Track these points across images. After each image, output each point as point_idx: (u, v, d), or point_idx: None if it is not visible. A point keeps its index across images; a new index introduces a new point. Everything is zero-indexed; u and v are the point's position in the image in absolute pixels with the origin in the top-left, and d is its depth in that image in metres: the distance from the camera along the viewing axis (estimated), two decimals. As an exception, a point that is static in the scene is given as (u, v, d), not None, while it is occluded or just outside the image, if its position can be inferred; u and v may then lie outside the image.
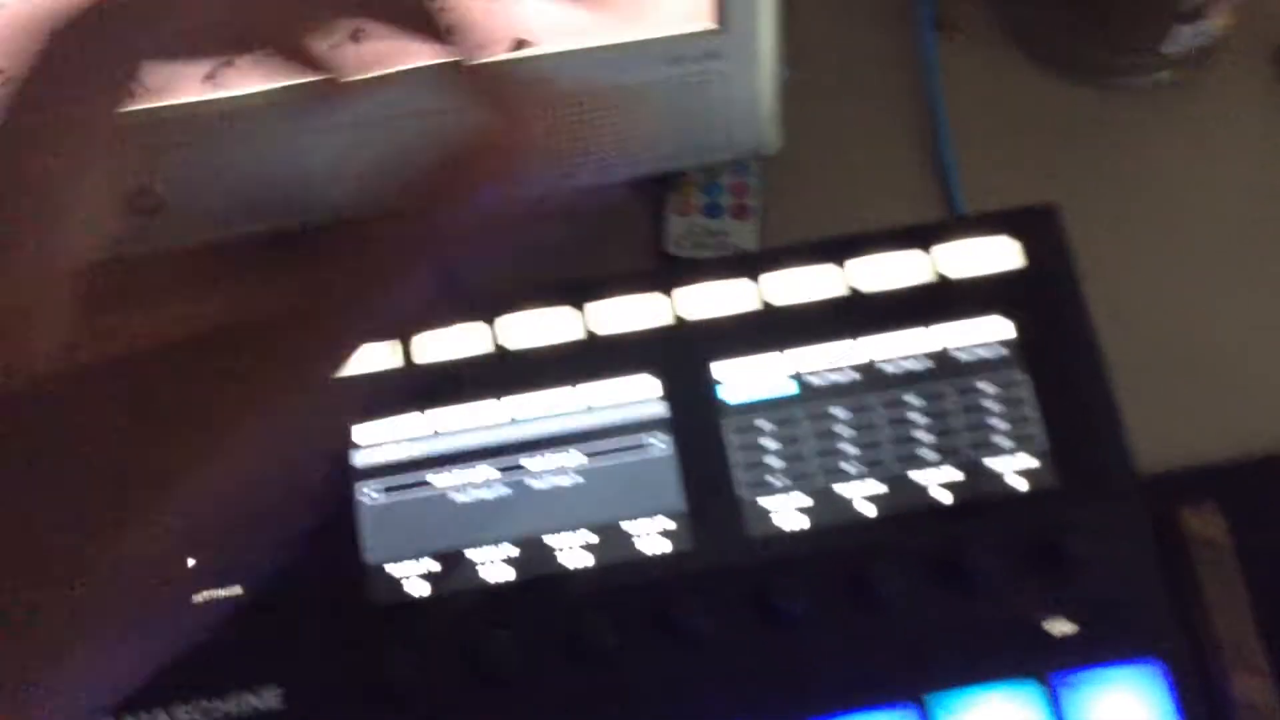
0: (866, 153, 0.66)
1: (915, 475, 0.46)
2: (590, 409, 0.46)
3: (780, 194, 0.65)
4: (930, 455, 0.46)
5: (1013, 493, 0.45)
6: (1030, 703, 0.42)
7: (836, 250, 0.48)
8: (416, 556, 0.44)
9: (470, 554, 0.44)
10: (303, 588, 0.43)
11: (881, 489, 0.45)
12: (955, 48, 0.69)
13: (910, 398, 0.46)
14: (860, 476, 0.45)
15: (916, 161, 0.67)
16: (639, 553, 0.44)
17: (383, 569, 0.43)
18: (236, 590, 0.42)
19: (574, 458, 0.45)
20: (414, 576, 0.43)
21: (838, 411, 0.46)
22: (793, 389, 0.46)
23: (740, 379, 0.46)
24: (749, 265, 0.48)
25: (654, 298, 0.47)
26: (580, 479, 0.45)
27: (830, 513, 0.45)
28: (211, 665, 0.41)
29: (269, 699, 0.42)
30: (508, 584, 0.44)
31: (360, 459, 0.44)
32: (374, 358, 0.43)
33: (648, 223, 0.65)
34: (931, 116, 0.67)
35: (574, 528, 0.44)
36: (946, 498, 0.45)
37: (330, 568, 0.43)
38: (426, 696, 0.42)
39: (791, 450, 0.46)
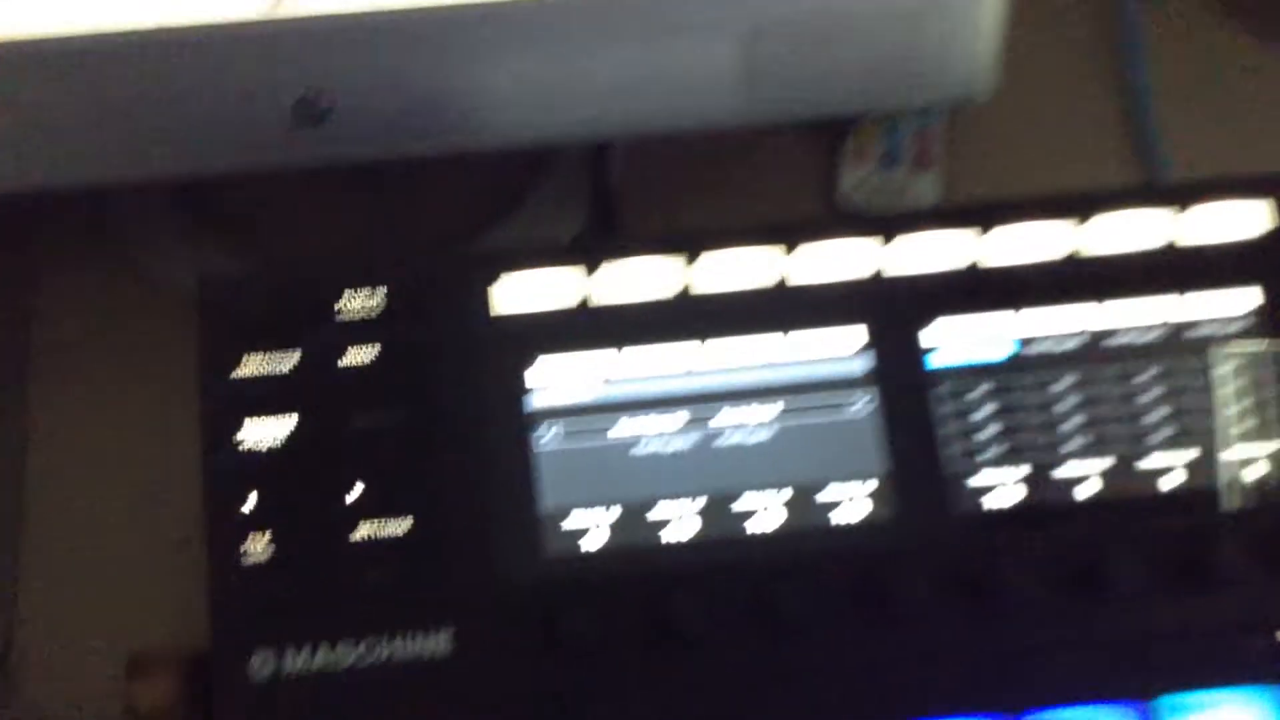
0: (1059, 110, 0.62)
1: (1143, 458, 0.41)
2: (787, 362, 0.42)
3: (962, 147, 0.61)
4: (1161, 437, 0.41)
5: (1262, 484, 0.40)
6: (1267, 711, 0.38)
7: (1065, 207, 0.44)
8: (594, 507, 0.40)
9: (651, 509, 0.41)
10: (476, 533, 0.40)
11: (1103, 471, 0.41)
12: (1157, 8, 0.64)
13: (1142, 372, 0.42)
14: (1081, 456, 0.41)
15: (1111, 122, 0.62)
16: (832, 520, 0.41)
17: (558, 519, 0.40)
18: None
19: (767, 412, 0.42)
20: (591, 528, 0.40)
21: (1060, 383, 0.42)
22: (1010, 354, 0.42)
23: (954, 340, 0.42)
24: (970, 217, 0.43)
25: (867, 245, 0.43)
26: (772, 435, 0.41)
27: (1045, 493, 0.41)
28: (382, 605, 0.39)
29: (439, 643, 0.39)
30: (690, 543, 0.40)
31: (539, 400, 0.41)
32: (556, 293, 0.40)
33: (815, 172, 0.61)
34: (1131, 77, 0.62)
35: (763, 487, 0.41)
36: (1179, 484, 0.41)
37: (504, 515, 0.40)
38: (597, 654, 0.39)
39: (1006, 422, 0.42)
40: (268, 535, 0.39)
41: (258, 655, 0.39)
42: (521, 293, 0.42)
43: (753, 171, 0.59)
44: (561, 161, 0.58)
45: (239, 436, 0.40)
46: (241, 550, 0.39)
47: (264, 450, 0.40)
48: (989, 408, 0.42)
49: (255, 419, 0.40)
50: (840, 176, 0.60)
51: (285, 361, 0.41)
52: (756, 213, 0.58)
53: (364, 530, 0.40)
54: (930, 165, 0.59)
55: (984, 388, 0.42)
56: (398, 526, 0.40)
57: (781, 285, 0.43)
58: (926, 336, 0.42)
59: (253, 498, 0.40)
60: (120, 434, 0.51)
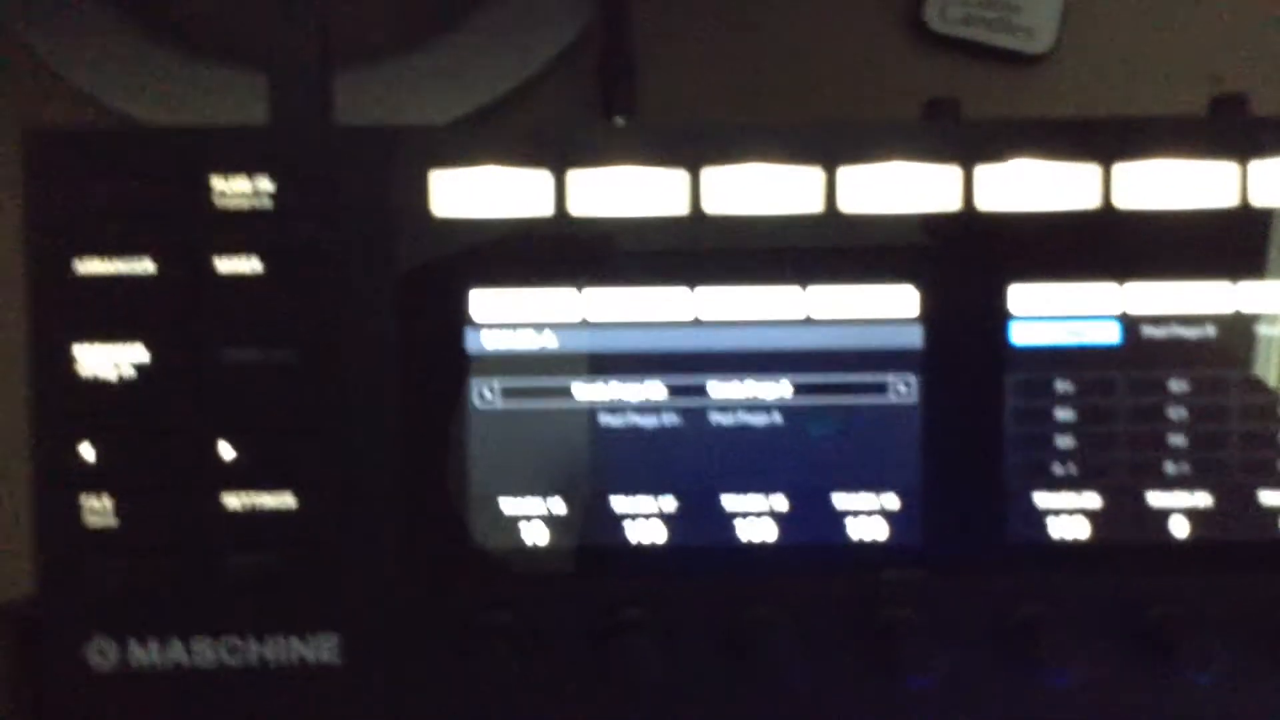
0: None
1: (1265, 494, 0.31)
2: (812, 320, 0.31)
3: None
4: (1295, 470, 0.31)
5: None
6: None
7: (1238, 131, 0.31)
8: (541, 493, 0.31)
9: (614, 500, 0.31)
10: (378, 514, 0.31)
11: (1208, 505, 0.31)
12: None
13: (1288, 382, 0.31)
14: (1183, 483, 0.31)
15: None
16: (846, 538, 0.31)
17: (493, 503, 0.31)
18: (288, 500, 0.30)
19: (778, 388, 0.31)
20: (534, 519, 0.31)
21: (1174, 383, 0.31)
22: (1114, 338, 0.31)
23: (1041, 311, 0.31)
24: (1093, 139, 0.31)
25: (938, 169, 0.31)
26: (781, 419, 0.31)
27: (1129, 526, 0.31)
28: (254, 598, 0.30)
29: (323, 650, 0.31)
30: (658, 548, 0.31)
31: (477, 342, 0.31)
32: (519, 196, 0.29)
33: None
34: None
35: (761, 488, 0.31)
36: (1308, 539, 0.31)
37: (421, 493, 0.31)
38: (523, 679, 0.31)
39: (1094, 430, 0.31)
40: (107, 497, 0.30)
41: (95, 643, 0.31)
42: (470, 189, 0.31)
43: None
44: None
45: (75, 363, 0.30)
46: (78, 508, 0.30)
47: (110, 384, 0.30)
48: (1072, 407, 0.31)
49: (93, 344, 0.30)
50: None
51: (136, 264, 0.30)
52: (808, 35, 0.45)
53: (233, 501, 0.30)
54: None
55: (1070, 381, 0.31)
56: (278, 500, 0.31)
57: (822, 213, 0.31)
58: (1004, 304, 0.31)
59: (88, 447, 0.30)
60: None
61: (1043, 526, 0.31)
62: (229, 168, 0.30)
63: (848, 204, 0.31)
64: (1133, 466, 0.31)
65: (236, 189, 0.30)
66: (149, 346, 0.30)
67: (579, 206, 0.31)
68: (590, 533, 0.31)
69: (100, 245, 0.30)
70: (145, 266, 0.30)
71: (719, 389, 0.31)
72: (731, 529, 0.31)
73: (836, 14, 0.46)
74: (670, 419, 0.31)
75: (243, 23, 0.43)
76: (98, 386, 0.30)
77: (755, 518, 0.31)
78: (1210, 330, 0.31)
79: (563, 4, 0.44)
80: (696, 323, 0.31)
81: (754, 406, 0.31)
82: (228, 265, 0.30)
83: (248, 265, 0.30)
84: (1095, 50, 0.45)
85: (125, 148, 0.30)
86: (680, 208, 0.31)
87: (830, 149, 0.31)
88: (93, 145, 0.30)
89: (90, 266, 0.30)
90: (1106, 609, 0.31)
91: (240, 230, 0.30)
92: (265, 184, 0.30)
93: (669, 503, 0.31)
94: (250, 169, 0.30)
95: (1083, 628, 0.31)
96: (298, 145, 0.30)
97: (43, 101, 0.43)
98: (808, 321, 0.31)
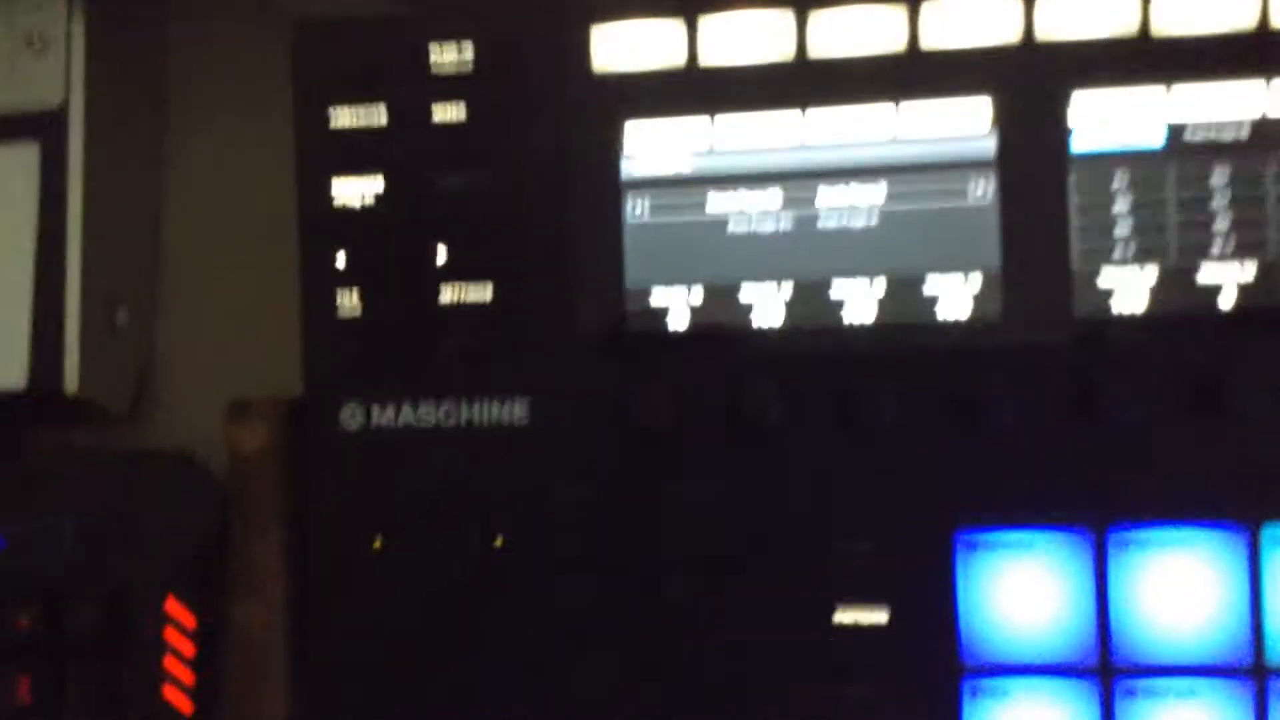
0: None
1: (1304, 267, 0.36)
2: (899, 139, 0.38)
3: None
4: (1331, 244, 0.36)
5: None
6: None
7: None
8: (683, 284, 0.39)
9: (743, 290, 0.39)
10: (559, 303, 0.39)
11: (1251, 276, 0.36)
12: None
13: (1320, 167, 0.36)
14: (1229, 257, 0.37)
15: None
16: (936, 316, 0.38)
17: (645, 294, 0.39)
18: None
19: (875, 193, 0.38)
20: (678, 306, 0.39)
21: (1217, 175, 0.37)
22: (1161, 141, 0.37)
23: (1100, 119, 0.37)
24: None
25: (1004, 4, 0.38)
26: (879, 221, 0.38)
27: (1183, 298, 0.37)
28: (463, 369, 0.39)
29: (516, 411, 0.39)
30: (780, 329, 0.38)
31: (630, 168, 0.39)
32: (653, 50, 0.37)
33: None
34: None
35: (865, 275, 0.38)
36: (1342, 301, 0.36)
37: (588, 286, 0.39)
38: (675, 434, 0.38)
39: (1149, 217, 0.37)
40: (356, 292, 0.40)
41: (347, 408, 0.40)
42: (620, 47, 0.39)
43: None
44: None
45: (332, 193, 0.40)
46: (334, 305, 0.40)
47: (356, 208, 0.40)
48: (1128, 199, 0.37)
49: (346, 177, 0.40)
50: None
51: (374, 117, 0.40)
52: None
53: (448, 294, 0.39)
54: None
55: (1126, 175, 0.37)
56: (481, 292, 0.39)
57: (903, 48, 0.38)
58: (1064, 114, 0.37)
59: (342, 255, 0.40)
60: (250, 179, 0.52)
61: (1109, 301, 0.37)
62: (443, 37, 0.40)
63: (929, 41, 0.38)
64: (1182, 247, 0.37)
65: (448, 56, 0.40)
66: (385, 178, 0.40)
67: (707, 55, 0.39)
68: (723, 318, 0.39)
69: (349, 101, 0.40)
70: (381, 118, 0.40)
71: (824, 196, 0.38)
72: (838, 312, 0.38)
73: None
74: (785, 224, 0.39)
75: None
76: (348, 211, 0.40)
77: (857, 302, 0.38)
78: (1244, 131, 0.37)
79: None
80: (804, 145, 0.38)
81: (855, 211, 0.38)
82: (441, 114, 0.40)
83: (455, 113, 0.40)
84: None
85: (365, 30, 0.40)
86: (789, 49, 0.38)
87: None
88: (342, 30, 0.40)
89: (342, 120, 0.40)
90: (1162, 369, 0.36)
91: (450, 86, 0.40)
92: (469, 51, 0.40)
93: (787, 291, 0.38)
94: (457, 37, 0.40)
95: (1139, 382, 0.36)
96: (491, 17, 0.40)
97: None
98: (897, 139, 0.38)
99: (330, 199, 0.40)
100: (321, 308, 0.40)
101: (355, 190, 0.40)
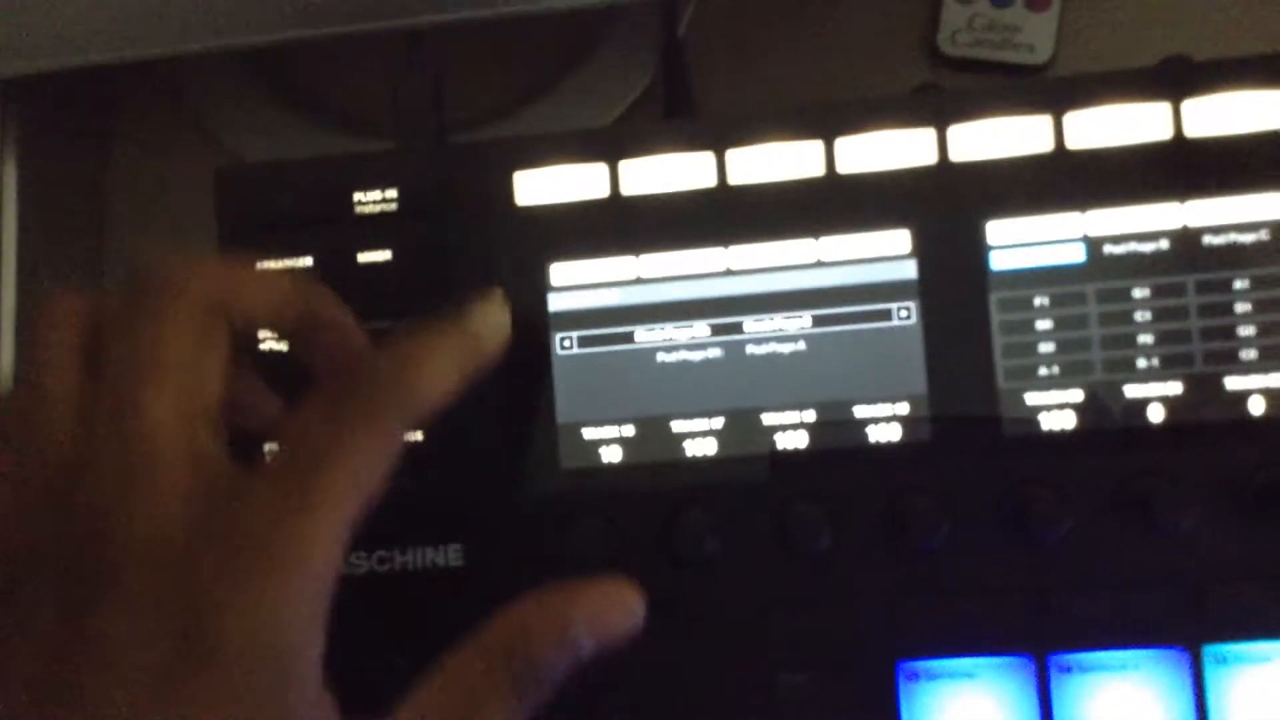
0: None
1: (1230, 380, 0.36)
2: (824, 264, 0.38)
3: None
4: (1252, 355, 0.36)
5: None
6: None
7: (1173, 78, 0.37)
8: (615, 421, 0.39)
9: (673, 423, 0.38)
10: (489, 443, 0.39)
11: (1180, 391, 0.37)
12: None
13: (1237, 280, 0.37)
14: (1155, 375, 0.37)
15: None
16: (867, 440, 0.38)
17: (576, 431, 0.39)
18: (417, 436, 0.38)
19: (801, 322, 0.38)
20: (610, 441, 0.39)
21: (1137, 291, 0.37)
22: (1080, 257, 0.37)
23: (1018, 240, 0.37)
24: (1044, 95, 0.38)
25: (917, 133, 0.38)
26: (806, 347, 0.38)
27: (1110, 415, 0.37)
28: (395, 516, 0.38)
29: (450, 556, 0.39)
30: (711, 459, 0.38)
31: (558, 303, 0.39)
32: (580, 185, 0.37)
33: (911, 13, 0.54)
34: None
35: (794, 404, 0.38)
36: (1263, 410, 0.36)
37: (521, 425, 0.39)
38: (610, 570, 0.38)
39: (1071, 335, 0.37)
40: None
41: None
42: (545, 184, 0.39)
43: (848, 13, 0.54)
44: (627, 15, 0.53)
45: (256, 342, 0.40)
46: (261, 455, 0.39)
47: (279, 355, 0.40)
48: (1051, 317, 0.37)
49: (270, 323, 0.40)
50: (943, 16, 0.53)
51: (299, 262, 0.40)
52: (840, 63, 0.53)
53: (377, 438, 0.39)
54: (1047, 6, 0.52)
55: (1047, 294, 0.37)
56: (410, 436, 0.39)
57: (824, 177, 0.38)
58: (984, 236, 0.38)
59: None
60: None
61: (1037, 420, 0.37)
62: (366, 184, 0.40)
63: (845, 167, 0.38)
64: (1107, 364, 0.37)
65: (372, 199, 0.40)
66: (310, 322, 0.39)
67: (630, 189, 0.39)
68: (655, 451, 0.38)
69: (272, 249, 0.40)
70: (306, 262, 0.40)
71: (752, 325, 0.38)
72: (771, 440, 0.38)
73: (862, 50, 0.53)
74: (714, 353, 0.39)
75: (367, 95, 0.53)
76: (271, 357, 0.40)
77: (789, 430, 0.38)
78: (1164, 244, 0.37)
79: (632, 62, 0.53)
80: (729, 273, 0.39)
81: (782, 338, 0.38)
82: (366, 257, 0.40)
83: (381, 256, 0.40)
84: (1088, 59, 0.52)
85: (289, 175, 0.40)
86: (709, 182, 0.39)
87: (827, 125, 0.38)
88: (266, 175, 0.40)
89: (266, 266, 0.40)
90: (1093, 484, 0.36)
91: (375, 231, 0.40)
92: (392, 193, 0.40)
93: (718, 421, 0.38)
94: (382, 184, 0.40)
95: (1072, 499, 0.36)
96: (416, 163, 0.40)
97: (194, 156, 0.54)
98: (820, 264, 0.38)
99: (256, 345, 0.40)
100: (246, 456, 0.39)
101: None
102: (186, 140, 0.55)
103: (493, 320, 0.32)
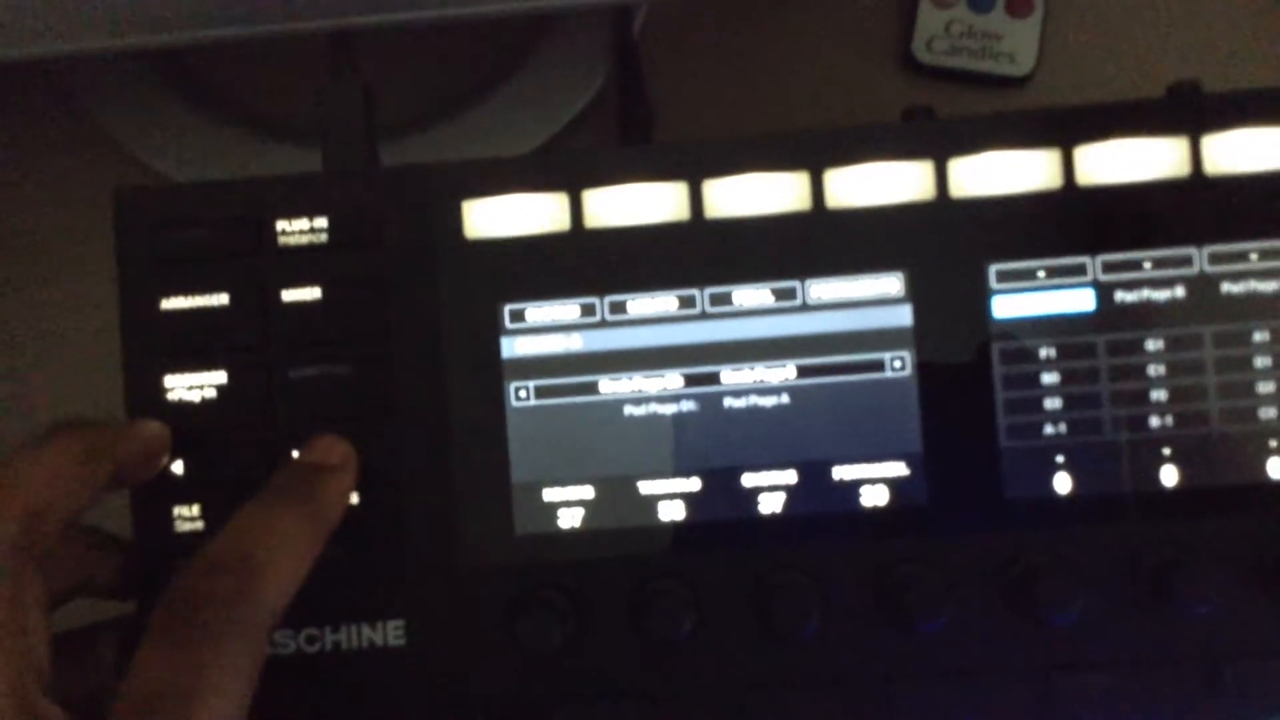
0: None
1: (1249, 440, 0.34)
2: (810, 308, 0.34)
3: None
4: (1272, 414, 0.33)
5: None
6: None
7: (1189, 109, 0.34)
8: (576, 481, 0.34)
9: (642, 484, 0.34)
10: (435, 506, 0.34)
11: (1195, 452, 0.34)
12: None
13: (1257, 333, 0.34)
14: (1168, 434, 0.34)
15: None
16: (856, 504, 0.34)
17: (533, 492, 0.34)
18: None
19: (785, 372, 0.34)
20: (571, 504, 0.34)
21: (1150, 342, 0.34)
22: (1090, 305, 0.34)
23: (1022, 285, 0.34)
24: (1052, 126, 0.34)
25: (914, 166, 0.34)
26: (790, 400, 0.34)
27: (1119, 477, 0.34)
28: (327, 589, 0.34)
29: (390, 634, 0.34)
30: (683, 525, 0.34)
31: (512, 349, 0.35)
32: (538, 215, 0.33)
33: (885, 16, 0.50)
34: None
35: (775, 464, 0.34)
36: (1288, 478, 0.33)
37: (470, 486, 0.34)
38: (568, 650, 0.34)
39: (1080, 389, 0.34)
40: (197, 506, 0.34)
41: (191, 638, 0.34)
42: (498, 214, 0.35)
43: (816, 15, 0.50)
44: (570, 14, 0.49)
45: (164, 389, 0.35)
46: (171, 520, 0.35)
47: (194, 405, 0.35)
48: (1058, 370, 0.34)
49: (180, 373, 0.35)
50: (918, 20, 0.50)
51: (213, 300, 0.35)
52: (806, 76, 0.49)
53: (306, 503, 0.34)
54: (1029, 11, 0.49)
55: (1053, 345, 0.34)
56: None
57: (811, 212, 0.35)
58: (986, 280, 0.34)
59: (179, 464, 0.34)
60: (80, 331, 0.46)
61: (1040, 482, 0.34)
62: (290, 212, 0.35)
63: (834, 201, 0.34)
64: (1116, 421, 0.34)
65: (297, 228, 0.35)
66: (227, 370, 0.35)
67: (594, 221, 0.35)
68: (621, 515, 0.34)
69: (182, 284, 0.35)
70: (221, 300, 0.35)
71: (730, 376, 0.34)
72: (750, 503, 0.34)
73: (831, 56, 0.50)
74: (688, 406, 0.35)
75: (294, 101, 0.48)
76: (184, 408, 0.35)
77: (770, 492, 0.34)
78: (1180, 291, 0.34)
79: (579, 68, 0.49)
80: (705, 316, 0.35)
81: (763, 390, 0.34)
82: (291, 295, 0.35)
83: (308, 294, 0.35)
84: (1072, 69, 0.49)
85: (200, 199, 0.35)
86: (683, 215, 0.35)
87: (815, 155, 0.34)
88: (172, 198, 0.35)
89: (174, 303, 0.35)
90: (1102, 555, 0.33)
91: (301, 264, 0.35)
92: (321, 223, 0.35)
93: (692, 483, 0.34)
94: (308, 211, 0.35)
95: (1081, 573, 0.33)
96: (347, 188, 0.35)
97: (106, 171, 0.48)
98: (806, 308, 0.34)
99: (163, 396, 0.35)
100: (154, 524, 0.34)
101: (192, 384, 0.35)
102: (85, 149, 0.49)
103: (336, 485, 0.32)
